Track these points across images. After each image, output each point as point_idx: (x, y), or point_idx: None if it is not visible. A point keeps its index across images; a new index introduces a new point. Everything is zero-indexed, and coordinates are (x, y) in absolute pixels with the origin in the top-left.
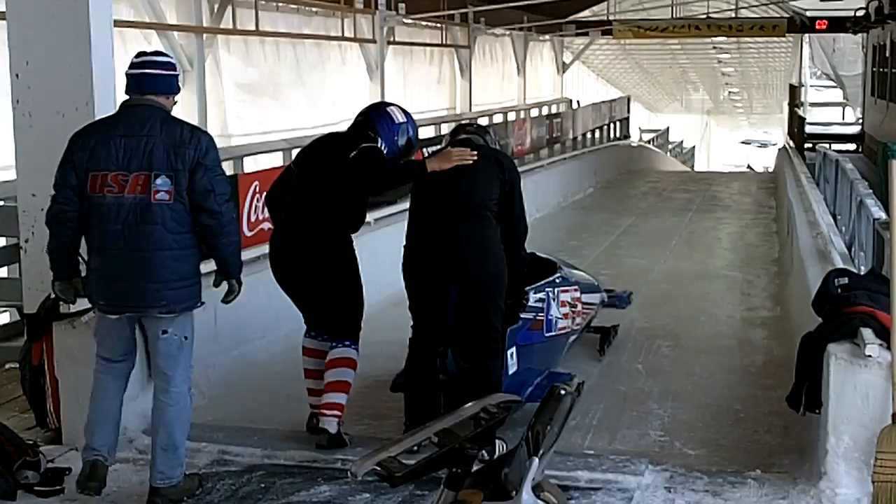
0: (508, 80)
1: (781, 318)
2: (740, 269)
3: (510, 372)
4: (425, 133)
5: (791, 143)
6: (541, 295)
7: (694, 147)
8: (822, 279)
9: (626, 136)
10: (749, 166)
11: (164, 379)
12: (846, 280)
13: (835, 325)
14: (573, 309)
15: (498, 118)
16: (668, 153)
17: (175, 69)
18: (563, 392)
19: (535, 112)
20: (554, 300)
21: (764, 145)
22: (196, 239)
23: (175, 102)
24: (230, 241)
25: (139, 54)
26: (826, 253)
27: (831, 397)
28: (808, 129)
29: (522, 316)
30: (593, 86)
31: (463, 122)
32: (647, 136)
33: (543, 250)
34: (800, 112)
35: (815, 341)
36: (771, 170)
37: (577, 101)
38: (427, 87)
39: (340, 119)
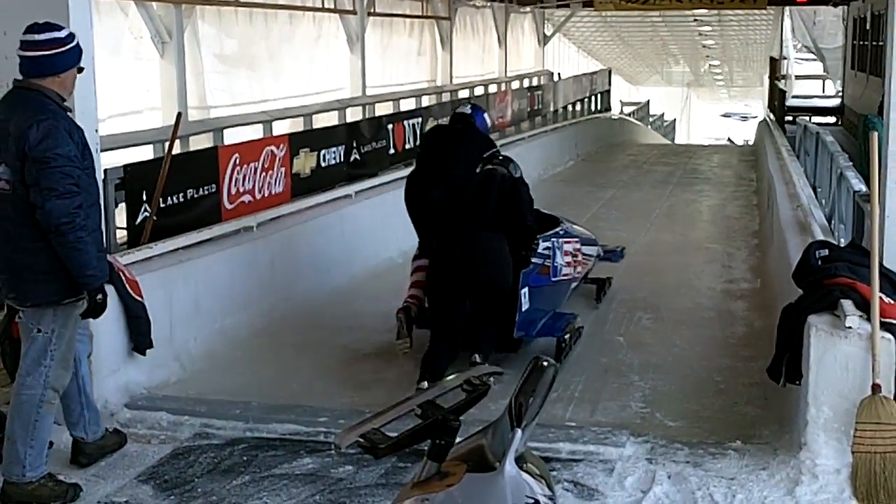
0: (489, 52)
1: (761, 290)
2: (721, 241)
3: (523, 309)
4: (406, 105)
5: (771, 116)
6: (547, 244)
7: (675, 120)
8: (803, 251)
9: (607, 109)
10: (729, 139)
11: (21, 367)
12: (826, 252)
13: (815, 297)
14: (575, 258)
15: (479, 90)
16: (649, 126)
17: (56, 45)
18: (545, 364)
19: (515, 84)
20: (559, 249)
21: (745, 118)
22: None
23: (60, 79)
24: (65, 242)
25: (27, 29)
26: (806, 225)
27: (811, 368)
28: (789, 101)
29: (533, 260)
30: (574, 58)
31: (493, 153)
32: (627, 109)
33: None
34: (780, 85)
35: (796, 313)
36: (751, 143)
37: (559, 74)
38: (407, 58)
39: (320, 90)
